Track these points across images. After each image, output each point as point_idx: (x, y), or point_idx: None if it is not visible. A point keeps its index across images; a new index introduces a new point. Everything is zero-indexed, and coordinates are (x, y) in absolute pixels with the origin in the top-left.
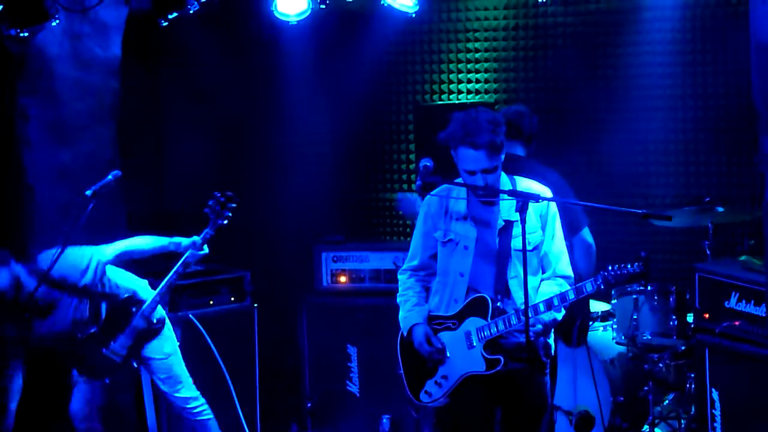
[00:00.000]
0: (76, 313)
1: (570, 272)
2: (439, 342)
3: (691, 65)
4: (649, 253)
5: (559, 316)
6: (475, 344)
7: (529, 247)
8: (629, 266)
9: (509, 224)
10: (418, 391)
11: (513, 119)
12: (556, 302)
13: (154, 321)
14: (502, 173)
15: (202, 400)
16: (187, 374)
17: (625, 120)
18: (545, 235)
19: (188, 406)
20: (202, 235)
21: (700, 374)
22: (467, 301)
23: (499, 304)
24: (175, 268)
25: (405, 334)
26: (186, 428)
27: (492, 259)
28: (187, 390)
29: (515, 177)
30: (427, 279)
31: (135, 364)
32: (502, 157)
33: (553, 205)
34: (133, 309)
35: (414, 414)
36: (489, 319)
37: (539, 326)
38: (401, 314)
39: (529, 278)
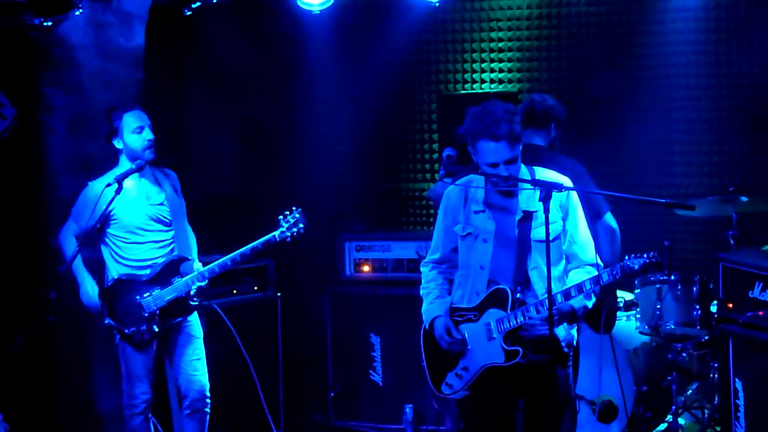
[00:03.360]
0: None
1: (597, 260)
2: (460, 334)
3: (714, 54)
4: (672, 242)
5: (590, 303)
6: (494, 336)
7: (546, 237)
8: (645, 255)
9: (529, 215)
10: (439, 383)
11: (526, 106)
12: (573, 293)
13: (193, 293)
14: (521, 164)
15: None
16: None
17: (648, 109)
18: (568, 224)
19: (207, 395)
20: (266, 238)
21: (723, 364)
22: (487, 293)
23: (518, 295)
24: (229, 256)
25: (426, 326)
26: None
27: (512, 251)
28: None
29: (534, 167)
30: (450, 271)
31: (157, 329)
32: (521, 147)
33: (574, 194)
34: (181, 271)
35: (435, 405)
36: (508, 311)
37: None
38: (423, 307)
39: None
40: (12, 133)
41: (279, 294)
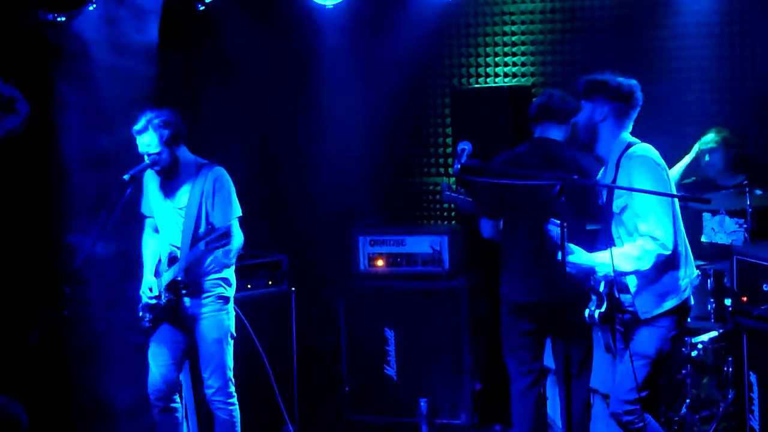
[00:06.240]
0: None
1: (653, 231)
2: None
3: (728, 47)
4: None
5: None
6: None
7: (616, 210)
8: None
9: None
10: None
11: (546, 100)
12: None
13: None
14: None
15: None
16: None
17: (660, 102)
18: (631, 198)
19: (221, 397)
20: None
21: (737, 357)
22: None
23: None
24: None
25: None
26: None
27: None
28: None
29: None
30: None
31: (150, 315)
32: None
33: (637, 169)
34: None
35: (478, 386)
36: None
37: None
38: None
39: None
40: (26, 129)
41: (293, 289)
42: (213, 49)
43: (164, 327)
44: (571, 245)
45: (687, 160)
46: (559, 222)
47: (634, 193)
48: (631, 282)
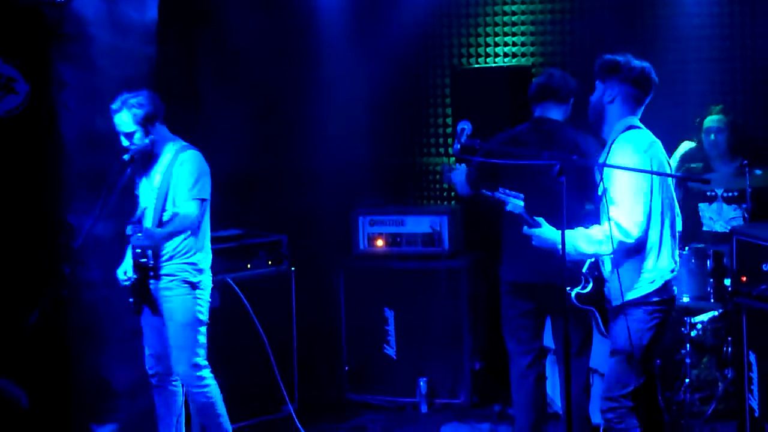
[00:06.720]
0: None
1: (620, 218)
2: None
3: (728, 27)
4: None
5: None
6: None
7: (600, 192)
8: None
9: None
10: None
11: (546, 79)
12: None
13: (139, 252)
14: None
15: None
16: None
17: (662, 84)
18: (608, 179)
19: (192, 382)
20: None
21: (737, 337)
22: None
23: None
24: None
25: None
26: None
27: None
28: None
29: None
30: None
31: (132, 295)
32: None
33: (618, 154)
34: (133, 229)
35: (477, 366)
36: None
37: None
38: None
39: None
40: (25, 109)
41: (293, 268)
42: (213, 27)
43: (146, 313)
44: (540, 219)
45: (682, 150)
46: (510, 191)
47: (611, 178)
48: (607, 268)
